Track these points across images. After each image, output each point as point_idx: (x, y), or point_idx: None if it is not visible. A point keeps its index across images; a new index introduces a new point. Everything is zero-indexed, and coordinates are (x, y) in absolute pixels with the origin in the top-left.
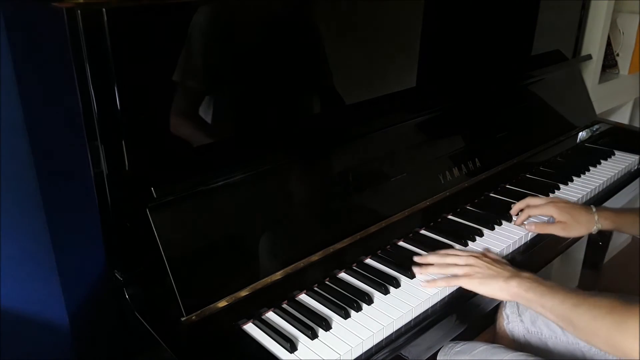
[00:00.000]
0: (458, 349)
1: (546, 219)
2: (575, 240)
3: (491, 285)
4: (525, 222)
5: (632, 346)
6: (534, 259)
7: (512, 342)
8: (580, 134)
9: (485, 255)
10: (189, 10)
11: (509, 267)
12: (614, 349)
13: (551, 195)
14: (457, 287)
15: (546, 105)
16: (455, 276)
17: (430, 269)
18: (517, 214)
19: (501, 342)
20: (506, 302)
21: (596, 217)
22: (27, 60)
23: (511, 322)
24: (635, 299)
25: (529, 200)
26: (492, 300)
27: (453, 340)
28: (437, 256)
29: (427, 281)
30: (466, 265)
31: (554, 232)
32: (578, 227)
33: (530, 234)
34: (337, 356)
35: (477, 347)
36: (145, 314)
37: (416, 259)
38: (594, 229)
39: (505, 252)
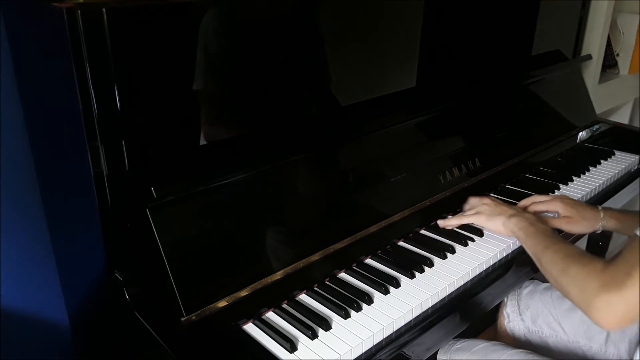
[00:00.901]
0: (458, 346)
1: (551, 215)
2: (576, 239)
3: (495, 221)
4: None
5: (570, 289)
6: None
7: (513, 341)
8: (580, 134)
9: (497, 200)
10: (189, 10)
11: (516, 208)
12: (560, 288)
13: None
14: (458, 286)
15: (546, 105)
16: (466, 214)
17: (452, 221)
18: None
19: (502, 340)
20: (507, 301)
21: (602, 215)
22: (27, 60)
23: (512, 321)
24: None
25: (534, 197)
26: (493, 299)
27: (454, 338)
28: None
29: (442, 220)
30: (481, 202)
31: (559, 226)
32: (583, 223)
33: None
34: (337, 356)
35: (477, 345)
36: (145, 314)
37: (439, 222)
38: (598, 227)
39: (505, 252)
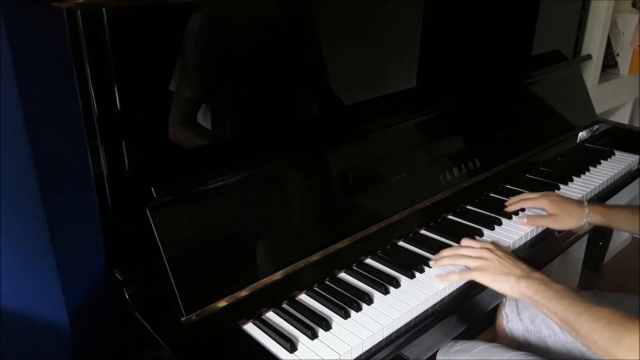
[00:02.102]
0: (457, 348)
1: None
2: (576, 239)
3: (502, 283)
4: (517, 218)
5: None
6: (533, 259)
7: (512, 341)
8: (580, 134)
9: (496, 248)
10: (189, 10)
11: (521, 265)
12: (612, 356)
13: None
14: (458, 286)
15: (546, 105)
16: (468, 270)
17: (444, 261)
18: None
19: (501, 341)
20: (505, 301)
21: (586, 211)
22: (27, 60)
23: (510, 322)
24: (634, 315)
25: (523, 195)
26: (492, 299)
27: (453, 339)
28: (450, 249)
29: (440, 275)
30: (479, 258)
31: (545, 224)
32: (568, 219)
33: (529, 233)
34: (337, 356)
35: (477, 347)
36: (145, 314)
37: (431, 262)
38: (583, 222)
39: None
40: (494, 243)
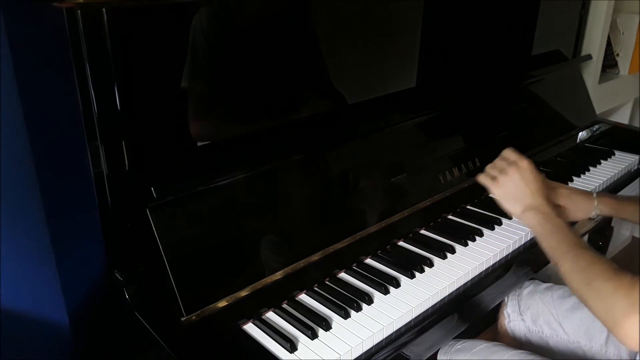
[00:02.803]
0: (458, 346)
1: None
2: None
3: (508, 205)
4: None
5: (593, 303)
6: (534, 259)
7: (514, 341)
8: (580, 134)
9: (528, 169)
10: (189, 10)
11: (538, 195)
12: (582, 299)
13: None
14: (458, 286)
15: (546, 105)
16: (487, 177)
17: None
18: None
19: (502, 341)
20: (507, 301)
21: (596, 203)
22: (27, 60)
23: (512, 321)
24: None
25: None
26: (493, 299)
27: (454, 338)
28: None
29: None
30: (504, 171)
31: None
32: (577, 211)
33: (530, 233)
34: (337, 356)
35: (478, 345)
36: (145, 314)
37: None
38: (593, 214)
39: (505, 253)
40: (529, 163)
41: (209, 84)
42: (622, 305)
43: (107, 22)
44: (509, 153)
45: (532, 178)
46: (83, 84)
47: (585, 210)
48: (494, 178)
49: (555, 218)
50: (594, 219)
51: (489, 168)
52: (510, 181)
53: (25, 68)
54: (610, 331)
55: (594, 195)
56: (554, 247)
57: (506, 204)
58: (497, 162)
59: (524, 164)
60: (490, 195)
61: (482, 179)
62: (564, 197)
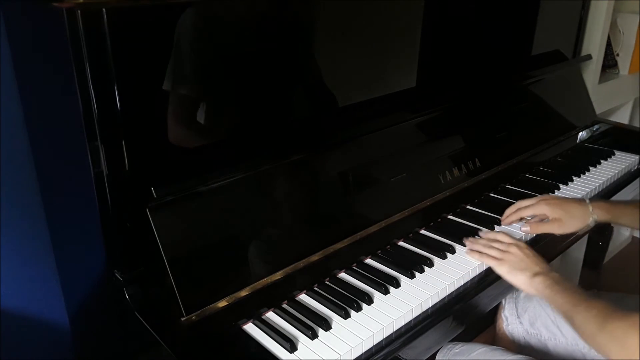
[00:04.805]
0: (457, 350)
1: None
2: (576, 239)
3: (517, 277)
4: (519, 225)
5: (610, 347)
6: None
7: (512, 344)
8: (580, 134)
9: (525, 247)
10: (189, 10)
11: (541, 264)
12: (598, 348)
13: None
14: (458, 286)
15: (546, 105)
16: (489, 257)
17: (477, 246)
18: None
19: (501, 343)
20: (505, 304)
21: (590, 209)
22: (27, 60)
23: (510, 324)
24: (631, 311)
25: (519, 203)
26: (491, 301)
27: (452, 341)
28: (490, 234)
29: (469, 249)
30: (505, 251)
31: (550, 230)
32: (573, 221)
33: (530, 235)
34: (337, 356)
35: (476, 349)
36: (145, 314)
37: (466, 241)
38: (590, 221)
39: None
40: (525, 243)
41: (208, 84)
42: (635, 342)
43: (107, 22)
44: (504, 237)
45: (532, 252)
46: (83, 84)
47: (581, 218)
48: (494, 258)
49: (562, 279)
50: (591, 225)
51: (485, 250)
52: (514, 256)
53: (25, 68)
54: None
55: (587, 201)
56: (565, 303)
57: (513, 277)
58: (495, 244)
59: (522, 243)
60: (490, 195)
61: (485, 259)
62: (557, 207)
